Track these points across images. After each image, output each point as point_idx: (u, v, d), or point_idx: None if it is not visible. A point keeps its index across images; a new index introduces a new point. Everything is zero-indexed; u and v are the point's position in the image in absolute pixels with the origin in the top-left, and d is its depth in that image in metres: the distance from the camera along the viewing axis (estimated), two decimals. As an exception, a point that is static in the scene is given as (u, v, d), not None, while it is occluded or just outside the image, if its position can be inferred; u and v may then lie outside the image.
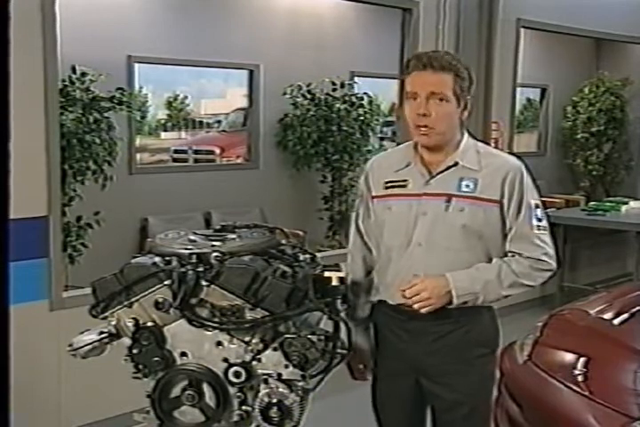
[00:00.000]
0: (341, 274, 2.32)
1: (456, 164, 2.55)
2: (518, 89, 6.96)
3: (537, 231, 2.55)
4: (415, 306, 2.47)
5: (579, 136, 9.88)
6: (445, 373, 2.60)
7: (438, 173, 2.56)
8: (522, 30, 6.59)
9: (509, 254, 2.56)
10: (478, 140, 2.71)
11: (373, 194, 2.66)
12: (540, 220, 2.57)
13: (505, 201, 2.52)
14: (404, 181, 2.59)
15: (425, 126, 2.47)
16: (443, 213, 2.52)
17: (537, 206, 2.58)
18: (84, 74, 5.89)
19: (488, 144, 2.96)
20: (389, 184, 2.61)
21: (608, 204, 7.59)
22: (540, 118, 10.17)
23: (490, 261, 2.55)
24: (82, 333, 2.37)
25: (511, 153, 3.18)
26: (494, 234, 2.55)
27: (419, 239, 2.54)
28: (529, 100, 9.98)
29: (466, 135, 2.62)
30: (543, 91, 10.06)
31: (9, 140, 0.95)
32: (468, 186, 2.52)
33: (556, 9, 6.71)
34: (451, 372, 2.59)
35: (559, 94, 10.01)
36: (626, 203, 7.52)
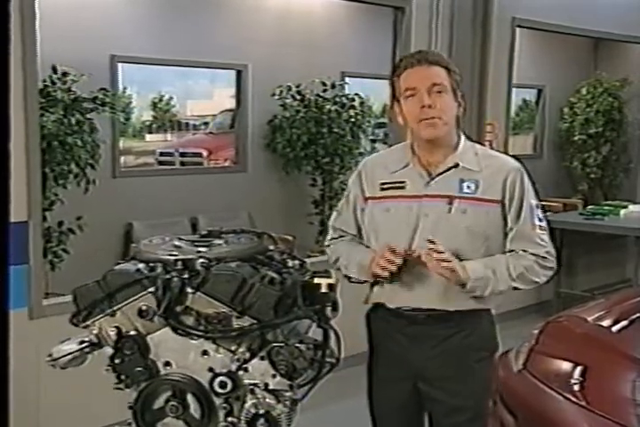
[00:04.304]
0: (331, 280, 2.27)
1: (456, 165, 2.57)
2: (514, 90, 6.91)
3: (539, 231, 2.60)
4: (434, 259, 2.43)
5: (576, 138, 9.87)
6: (446, 377, 2.61)
7: (438, 175, 2.58)
8: (517, 29, 6.56)
9: (512, 252, 2.59)
10: (476, 142, 2.75)
11: (367, 195, 2.66)
12: (540, 220, 2.62)
13: (506, 201, 2.56)
14: (402, 182, 2.59)
15: (431, 117, 2.50)
16: (445, 215, 2.54)
17: (537, 207, 2.63)
18: (65, 74, 5.84)
19: (484, 146, 3.00)
20: (386, 186, 2.61)
21: (606, 208, 7.57)
22: (536, 120, 10.22)
23: None
24: (62, 342, 2.32)
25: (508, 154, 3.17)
26: (497, 235, 2.58)
27: (421, 242, 2.53)
28: (525, 101, 10.05)
29: (463, 137, 2.65)
30: (539, 91, 10.11)
31: (9, 141, 0.94)
32: (469, 187, 2.55)
33: (552, 8, 6.67)
34: (451, 376, 2.60)
35: (556, 95, 10.04)
36: (625, 207, 7.49)
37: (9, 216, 0.95)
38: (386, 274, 2.52)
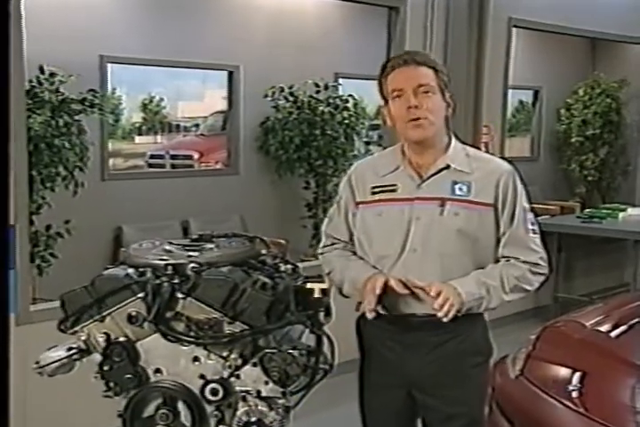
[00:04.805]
0: (324, 285, 2.24)
1: (448, 166, 2.57)
2: (510, 91, 6.91)
3: (532, 235, 2.61)
4: (443, 314, 2.45)
5: (573, 140, 9.86)
6: (441, 384, 2.59)
7: (429, 177, 2.57)
8: (513, 29, 6.55)
9: (504, 259, 2.59)
10: (467, 144, 2.72)
11: (358, 200, 2.65)
12: (533, 224, 2.63)
13: (499, 205, 2.56)
14: (393, 185, 2.59)
15: (417, 118, 2.50)
16: (438, 218, 2.53)
17: (529, 210, 2.64)
18: (52, 74, 5.85)
19: (477, 148, 2.98)
20: (377, 189, 2.61)
21: (604, 211, 7.54)
22: (532, 122, 10.21)
23: (483, 266, 2.57)
24: (49, 349, 2.29)
25: (502, 157, 3.24)
26: (488, 238, 2.57)
27: (414, 245, 2.55)
28: (521, 102, 10.03)
29: (453, 138, 2.64)
30: (536, 93, 10.11)
31: (9, 144, 0.96)
32: (461, 189, 2.55)
33: (549, 7, 6.64)
34: (447, 383, 2.59)
35: (553, 96, 10.05)
36: (623, 210, 7.48)
37: (9, 219, 0.85)
38: (373, 315, 2.52)
